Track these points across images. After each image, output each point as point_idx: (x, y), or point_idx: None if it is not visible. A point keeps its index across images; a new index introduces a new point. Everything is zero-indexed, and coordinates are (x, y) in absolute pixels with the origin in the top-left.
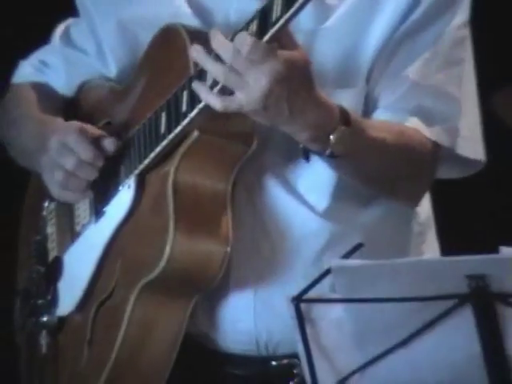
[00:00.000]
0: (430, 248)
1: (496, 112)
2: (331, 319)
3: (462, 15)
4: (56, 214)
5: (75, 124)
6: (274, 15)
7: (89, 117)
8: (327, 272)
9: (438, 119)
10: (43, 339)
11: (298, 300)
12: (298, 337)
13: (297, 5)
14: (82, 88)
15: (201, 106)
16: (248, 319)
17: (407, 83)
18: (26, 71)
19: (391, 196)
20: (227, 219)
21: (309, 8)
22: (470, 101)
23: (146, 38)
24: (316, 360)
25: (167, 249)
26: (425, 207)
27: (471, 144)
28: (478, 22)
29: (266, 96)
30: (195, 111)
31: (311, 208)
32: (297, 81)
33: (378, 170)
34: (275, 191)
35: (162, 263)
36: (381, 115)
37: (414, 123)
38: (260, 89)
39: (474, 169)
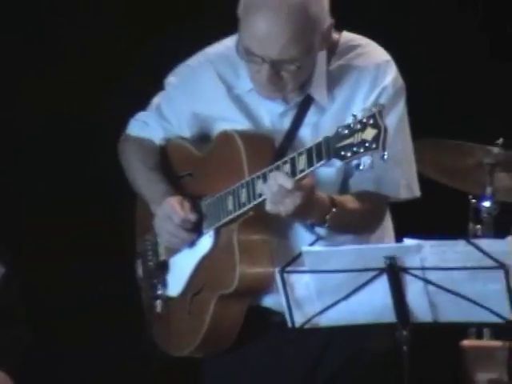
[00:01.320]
0: (387, 236)
1: None
2: (302, 282)
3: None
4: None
5: (171, 206)
6: (301, 166)
7: (175, 164)
8: (300, 254)
9: (386, 183)
10: (158, 303)
11: (282, 271)
12: (281, 294)
13: (313, 167)
14: (170, 142)
15: (255, 202)
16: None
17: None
18: (136, 127)
19: (360, 233)
20: (270, 254)
21: (312, 109)
22: (407, 159)
23: (211, 126)
24: (292, 308)
25: (236, 279)
26: (387, 222)
27: (408, 190)
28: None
29: (294, 211)
30: (251, 204)
31: (318, 236)
32: (307, 197)
33: (354, 225)
34: (299, 231)
35: (233, 287)
36: (353, 184)
37: (373, 188)
38: (291, 207)
39: (415, 197)
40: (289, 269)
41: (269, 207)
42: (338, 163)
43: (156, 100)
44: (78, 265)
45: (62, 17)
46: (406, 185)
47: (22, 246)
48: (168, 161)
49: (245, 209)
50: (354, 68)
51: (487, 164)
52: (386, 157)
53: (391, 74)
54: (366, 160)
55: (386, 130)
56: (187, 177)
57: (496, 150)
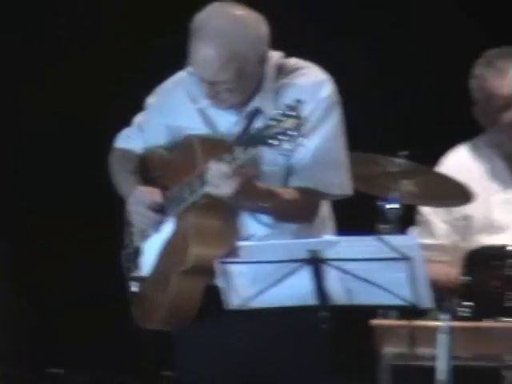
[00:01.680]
0: (328, 228)
1: None
2: (238, 271)
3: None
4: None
5: (141, 191)
6: (238, 154)
7: (150, 168)
8: (236, 248)
9: (321, 181)
10: (134, 284)
11: (222, 262)
12: (221, 281)
13: (247, 155)
14: (147, 151)
15: (203, 190)
16: None
17: (303, 164)
18: (121, 140)
19: (297, 222)
20: (221, 238)
21: (261, 118)
22: (341, 162)
23: (181, 135)
24: (230, 292)
25: (190, 257)
26: (324, 208)
27: (340, 188)
28: None
29: (232, 194)
30: (201, 191)
31: (263, 223)
32: (245, 183)
33: (290, 214)
34: (246, 217)
35: (190, 263)
36: (293, 180)
37: (309, 185)
38: (229, 190)
39: (347, 194)
40: (227, 260)
41: (211, 189)
42: (281, 161)
43: (137, 118)
44: (80, 265)
45: (62, 17)
46: (338, 184)
47: (23, 246)
48: (146, 165)
49: (197, 196)
50: (296, 84)
51: (392, 172)
52: (304, 142)
53: (327, 90)
54: (287, 146)
55: (303, 119)
56: (159, 177)
57: (400, 160)
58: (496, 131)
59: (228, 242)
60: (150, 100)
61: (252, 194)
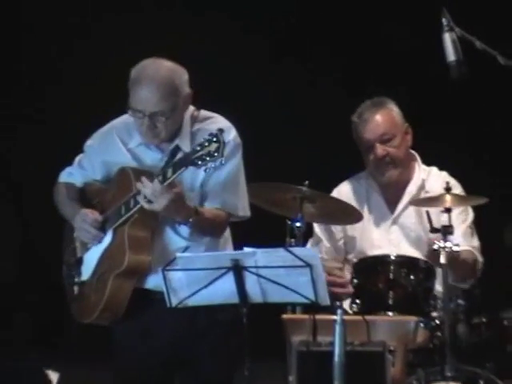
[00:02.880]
0: (228, 244)
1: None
2: (176, 277)
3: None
4: (79, 239)
5: (85, 212)
6: (169, 175)
7: (90, 197)
8: (175, 258)
9: (229, 204)
10: (75, 288)
11: (163, 270)
12: (163, 285)
13: (176, 174)
14: (86, 184)
15: (138, 206)
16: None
17: (215, 190)
18: (64, 176)
19: (210, 235)
20: (149, 247)
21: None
22: (243, 190)
23: (114, 169)
24: (170, 293)
25: (125, 261)
26: (227, 231)
27: (243, 210)
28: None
29: (165, 207)
30: (135, 208)
31: (182, 236)
32: (174, 199)
33: (208, 229)
34: (169, 231)
35: (124, 267)
36: (207, 203)
37: (220, 206)
38: (163, 204)
39: (247, 216)
40: (168, 267)
41: (145, 205)
42: (197, 187)
43: (78, 157)
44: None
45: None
46: (242, 207)
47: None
48: (85, 195)
49: (131, 212)
50: (208, 130)
51: (298, 197)
52: (223, 162)
53: (232, 134)
54: (211, 165)
55: (224, 143)
56: (97, 203)
57: (303, 188)
58: (369, 166)
59: (151, 250)
60: (89, 143)
61: (180, 210)
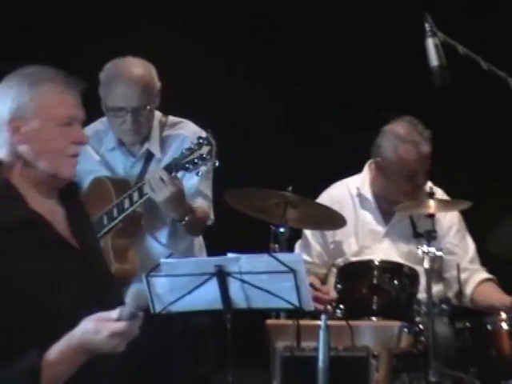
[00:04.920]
0: (203, 253)
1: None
2: (160, 283)
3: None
4: None
5: None
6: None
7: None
8: (159, 264)
9: (207, 205)
10: None
11: (147, 276)
12: (146, 290)
13: (145, 197)
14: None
15: (123, 215)
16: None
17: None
18: None
19: (195, 234)
20: (133, 255)
21: (153, 161)
22: (209, 196)
23: (86, 178)
24: (154, 299)
25: (113, 271)
26: (200, 238)
27: (212, 214)
28: None
29: (166, 200)
30: (120, 217)
31: (161, 243)
32: (177, 193)
33: (198, 227)
34: (149, 239)
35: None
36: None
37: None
38: (165, 195)
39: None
40: (152, 273)
41: (150, 192)
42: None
43: None
44: None
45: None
46: (211, 212)
47: None
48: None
49: (116, 221)
50: (179, 134)
51: (282, 203)
52: (216, 164)
53: None
54: (203, 168)
55: (215, 145)
56: None
57: (287, 193)
58: (391, 185)
59: (135, 258)
60: None
61: (179, 206)
